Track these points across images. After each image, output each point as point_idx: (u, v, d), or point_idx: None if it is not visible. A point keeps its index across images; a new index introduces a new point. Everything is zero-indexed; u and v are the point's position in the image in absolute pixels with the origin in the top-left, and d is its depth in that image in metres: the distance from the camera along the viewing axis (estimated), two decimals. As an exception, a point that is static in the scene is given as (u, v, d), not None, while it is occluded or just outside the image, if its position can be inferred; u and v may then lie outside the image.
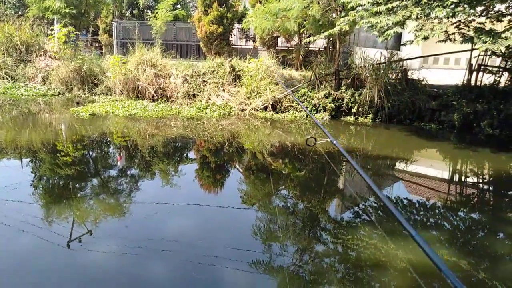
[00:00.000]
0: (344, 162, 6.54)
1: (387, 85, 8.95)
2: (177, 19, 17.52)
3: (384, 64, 9.42)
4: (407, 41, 8.04)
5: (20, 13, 16.87)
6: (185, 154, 6.65)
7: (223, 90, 10.39)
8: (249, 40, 16.46)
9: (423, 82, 9.38)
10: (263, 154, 6.61)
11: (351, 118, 9.27)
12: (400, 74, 9.49)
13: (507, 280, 3.02)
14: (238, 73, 10.62)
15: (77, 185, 4.85)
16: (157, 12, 15.09)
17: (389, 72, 9.37)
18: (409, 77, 9.49)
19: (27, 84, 12.03)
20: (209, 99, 10.17)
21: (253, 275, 3.00)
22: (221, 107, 9.73)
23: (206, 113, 9.40)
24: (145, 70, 10.53)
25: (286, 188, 5.13)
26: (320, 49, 14.58)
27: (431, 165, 6.57)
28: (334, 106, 9.24)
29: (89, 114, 8.68)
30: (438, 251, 3.36)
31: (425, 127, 8.76)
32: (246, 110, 9.66)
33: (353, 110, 9.23)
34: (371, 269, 3.16)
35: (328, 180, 5.59)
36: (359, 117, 9.26)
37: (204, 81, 10.57)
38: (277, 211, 4.29)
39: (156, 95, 10.43)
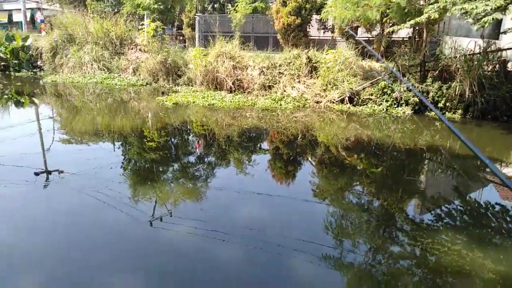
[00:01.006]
0: (426, 160, 6.08)
1: (481, 77, 8.07)
2: (256, 11, 17.77)
3: (478, 55, 8.49)
4: (508, 29, 7.13)
5: (116, 10, 18.55)
6: (258, 145, 6.77)
7: (299, 81, 10.31)
8: (327, 31, 16.03)
9: (526, 75, 8.26)
10: (337, 147, 6.44)
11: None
12: (498, 65, 8.48)
13: None
14: (314, 64, 10.44)
15: (160, 169, 5.23)
16: (237, 5, 15.46)
17: (484, 63, 8.42)
18: (509, 69, 8.43)
19: (120, 75, 13.24)
20: (284, 90, 10.18)
21: (322, 269, 2.96)
22: (296, 99, 9.69)
23: (280, 104, 9.44)
24: (224, 62, 10.90)
25: (361, 184, 4.94)
26: (404, 39, 13.63)
27: (531, 169, 5.80)
28: (417, 100, 8.62)
29: (172, 103, 9.28)
30: (536, 266, 2.98)
31: (527, 125, 7.74)
32: (321, 102, 9.48)
33: (440, 105, 8.51)
34: (452, 276, 2.91)
35: (408, 178, 5.25)
36: (447, 112, 8.52)
37: (280, 72, 10.60)
38: (350, 207, 4.17)
39: (234, 87, 10.74)
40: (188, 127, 7.82)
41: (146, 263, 2.99)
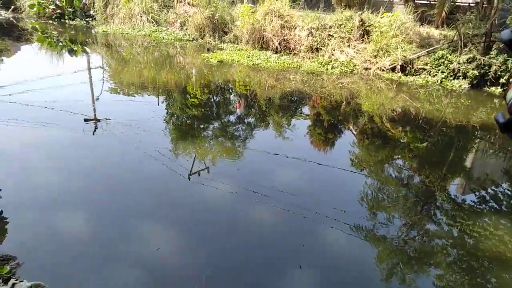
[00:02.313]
0: (477, 139, 5.72)
1: (556, 53, 7.23)
2: (309, -33, 16.78)
3: (556, 26, 7.57)
4: None
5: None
6: (300, 109, 6.66)
7: (349, 45, 9.83)
8: (385, -8, 14.91)
9: None
10: (382, 118, 6.19)
11: (497, 90, 7.90)
12: None
13: None
14: (367, 28, 9.85)
15: (201, 126, 5.33)
16: (290, -40, 14.65)
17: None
18: None
19: (168, 29, 13.31)
20: (332, 54, 9.78)
21: (353, 239, 2.95)
22: (344, 64, 9.29)
23: (327, 69, 9.11)
24: (271, 20, 10.57)
25: (402, 158, 4.77)
26: (471, 4, 12.41)
27: None
28: (477, 73, 7.96)
29: (217, 61, 9.25)
30: None
31: None
32: (370, 69, 9.03)
33: (502, 80, 7.82)
34: (490, 261, 2.80)
35: (454, 156, 4.98)
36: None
37: (329, 35, 10.14)
38: (388, 180, 4.06)
39: (280, 47, 10.47)
40: (231, 86, 7.81)
41: (181, 214, 3.13)
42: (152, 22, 13.62)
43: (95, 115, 5.32)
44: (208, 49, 10.86)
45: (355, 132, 5.62)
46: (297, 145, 4.94)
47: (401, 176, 4.25)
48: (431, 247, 2.97)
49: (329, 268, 2.66)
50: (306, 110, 6.64)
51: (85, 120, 5.01)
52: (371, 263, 2.75)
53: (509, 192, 4.00)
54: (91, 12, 15.45)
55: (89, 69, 8.48)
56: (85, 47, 10.72)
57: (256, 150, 4.57)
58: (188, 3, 13.73)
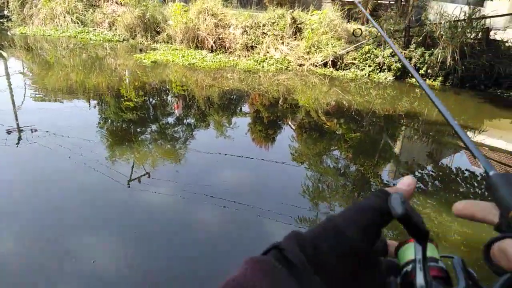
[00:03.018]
0: (403, 127, 6.19)
1: (464, 45, 8.09)
2: (240, -34, 16.90)
3: (463, 22, 8.46)
4: (495, -5, 7.07)
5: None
6: (239, 107, 6.69)
7: (282, 43, 10.08)
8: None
9: (506, 44, 8.34)
10: (317, 112, 6.44)
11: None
12: (480, 33, 8.49)
13: None
14: (299, 25, 10.18)
15: (138, 129, 5.12)
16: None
17: (468, 31, 8.41)
18: (491, 38, 8.47)
19: (95, 29, 12.58)
20: (267, 52, 9.96)
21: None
22: (279, 61, 9.51)
23: (263, 66, 9.26)
24: (205, 19, 10.48)
25: (339, 149, 5.01)
26: (391, 2, 13.39)
27: (501, 137, 6.00)
28: (400, 66, 8.62)
29: (151, 62, 8.95)
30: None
31: (503, 94, 7.92)
32: (304, 65, 9.35)
33: (421, 72, 8.56)
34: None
35: (385, 144, 5.35)
36: (427, 80, 8.58)
37: (263, 33, 10.31)
38: (327, 171, 4.24)
39: (215, 46, 10.42)
40: (167, 87, 7.61)
41: (122, 223, 2.98)
42: (77, 23, 12.80)
43: (17, 124, 4.86)
44: (140, 50, 10.47)
45: (293, 127, 5.79)
46: (239, 143, 4.96)
47: (339, 166, 4.46)
48: (369, 230, 3.15)
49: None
50: (245, 108, 6.69)
51: (7, 131, 4.56)
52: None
53: (433, 173, 4.38)
54: (5, 12, 14.09)
55: (8, 74, 7.72)
56: (0, 51, 9.75)
57: (198, 150, 4.50)
58: (116, 2, 13.10)
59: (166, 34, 11.34)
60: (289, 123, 5.95)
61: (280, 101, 6.84)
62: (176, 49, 10.42)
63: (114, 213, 3.14)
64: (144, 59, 9.12)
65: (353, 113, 6.51)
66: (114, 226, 2.95)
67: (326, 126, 5.74)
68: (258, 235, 2.98)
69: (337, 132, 5.57)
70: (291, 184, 3.92)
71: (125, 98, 6.40)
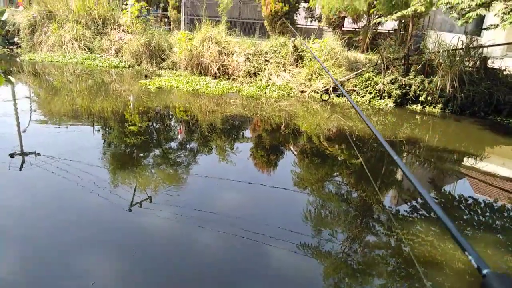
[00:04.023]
0: (405, 153, 6.22)
1: (462, 73, 8.24)
2: (243, -4, 17.47)
3: (461, 50, 8.65)
4: (491, 25, 7.30)
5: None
6: (241, 133, 6.76)
7: (284, 70, 10.29)
8: (315, 20, 15.97)
9: (504, 72, 8.49)
10: (319, 138, 6.50)
11: (417, 107, 8.73)
12: (478, 62, 8.66)
13: None
14: (300, 53, 10.42)
15: (141, 154, 5.17)
16: (224, -11, 15.12)
17: (466, 59, 8.60)
18: (489, 66, 8.64)
19: (102, 56, 12.89)
20: (270, 78, 10.15)
21: (300, 257, 3.01)
22: (281, 88, 9.68)
23: (265, 92, 9.41)
24: (209, 46, 10.75)
25: (341, 175, 5.02)
26: (390, 31, 13.74)
27: (503, 164, 6.01)
28: (400, 93, 8.76)
29: (156, 88, 9.12)
30: (503, 256, 3.12)
31: (503, 122, 7.98)
32: (306, 92, 9.50)
33: (421, 99, 8.67)
34: (424, 266, 3.02)
35: (386, 170, 5.36)
36: (427, 106, 8.69)
37: (266, 60, 10.54)
38: (329, 197, 4.24)
39: (219, 72, 10.63)
40: (171, 112, 7.72)
41: (123, 248, 2.97)
42: (85, 50, 13.13)
43: (22, 148, 4.92)
44: (145, 76, 10.69)
45: (295, 152, 5.83)
46: (241, 168, 4.99)
47: (341, 192, 4.46)
48: (372, 257, 3.13)
49: (279, 287, 2.68)
50: (248, 133, 6.76)
51: (11, 155, 4.61)
52: (318, 279, 2.82)
53: (436, 200, 4.37)
54: (16, 39, 14.51)
55: (14, 99, 7.87)
56: (9, 76, 9.97)
57: (200, 175, 4.53)
58: (123, 30, 13.50)
59: (171, 61, 11.61)
60: (291, 148, 6.00)
61: (282, 127, 6.92)
62: (181, 75, 10.63)
63: (114, 238, 3.13)
64: (149, 85, 9.30)
65: (354, 139, 6.56)
66: (113, 249, 2.94)
67: (328, 152, 5.77)
68: (256, 260, 2.96)
69: (339, 158, 5.60)
70: (293, 209, 3.91)
71: (129, 123, 6.49)
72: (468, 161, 5.96)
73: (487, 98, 8.19)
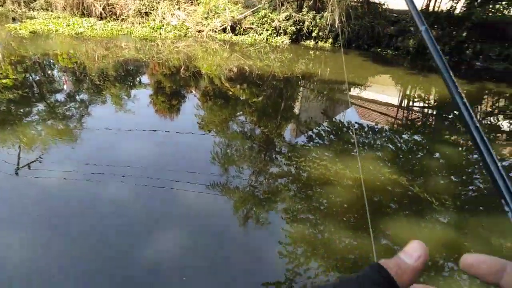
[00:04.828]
0: (301, 88, 6.59)
1: (349, 8, 8.76)
2: None
3: (347, -15, 9.09)
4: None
5: None
6: (138, 78, 6.36)
7: (179, 8, 9.68)
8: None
9: (384, 6, 9.26)
10: (220, 79, 6.47)
11: (311, 43, 9.14)
12: (362, -4, 9.27)
13: (436, 192, 3.39)
14: (194, -11, 9.84)
15: (21, 110, 4.56)
16: None
17: (352, -6, 9.12)
18: (371, 1, 9.31)
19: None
20: (164, 18, 9.48)
21: (210, 196, 3.12)
22: (177, 28, 9.16)
23: (160, 33, 8.83)
24: (89, -18, 9.45)
25: (244, 114, 5.15)
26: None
27: (383, 91, 6.81)
28: (295, 30, 9.01)
29: (29, 32, 7.86)
30: (381, 169, 3.65)
31: (382, 53, 8.87)
32: (203, 31, 9.17)
33: (314, 34, 9.07)
34: (320, 187, 3.39)
35: (285, 105, 5.66)
36: (319, 42, 9.15)
37: (157, -3, 9.73)
38: (234, 136, 4.36)
39: (105, 13, 9.54)
40: (52, 60, 6.81)
41: (10, 216, 2.72)
42: None
43: None
44: (13, 19, 9.08)
45: (197, 95, 5.74)
46: (141, 116, 4.77)
47: (245, 130, 4.61)
48: (276, 186, 3.40)
49: (193, 228, 2.78)
50: (145, 79, 6.39)
51: None
52: (229, 214, 2.98)
53: (328, 129, 4.82)
54: None
55: None
56: None
57: (96, 128, 4.22)
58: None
59: (44, 0, 9.98)
60: (193, 91, 5.89)
61: (181, 69, 6.68)
62: (59, 17, 9.29)
63: (2, 206, 2.82)
64: (20, 29, 7.96)
65: (254, 78, 6.69)
66: (5, 216, 2.67)
67: (230, 92, 5.82)
68: (169, 206, 2.99)
69: (241, 98, 5.70)
70: (200, 153, 3.95)
71: (1, 75, 5.58)
72: (354, 91, 6.60)
73: (369, 31, 8.93)
